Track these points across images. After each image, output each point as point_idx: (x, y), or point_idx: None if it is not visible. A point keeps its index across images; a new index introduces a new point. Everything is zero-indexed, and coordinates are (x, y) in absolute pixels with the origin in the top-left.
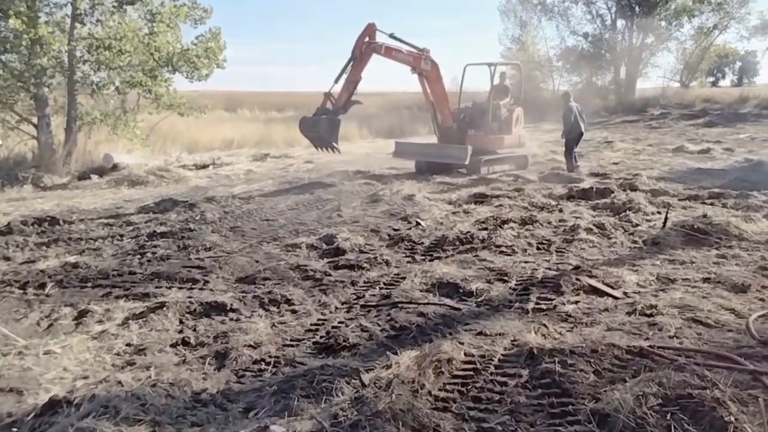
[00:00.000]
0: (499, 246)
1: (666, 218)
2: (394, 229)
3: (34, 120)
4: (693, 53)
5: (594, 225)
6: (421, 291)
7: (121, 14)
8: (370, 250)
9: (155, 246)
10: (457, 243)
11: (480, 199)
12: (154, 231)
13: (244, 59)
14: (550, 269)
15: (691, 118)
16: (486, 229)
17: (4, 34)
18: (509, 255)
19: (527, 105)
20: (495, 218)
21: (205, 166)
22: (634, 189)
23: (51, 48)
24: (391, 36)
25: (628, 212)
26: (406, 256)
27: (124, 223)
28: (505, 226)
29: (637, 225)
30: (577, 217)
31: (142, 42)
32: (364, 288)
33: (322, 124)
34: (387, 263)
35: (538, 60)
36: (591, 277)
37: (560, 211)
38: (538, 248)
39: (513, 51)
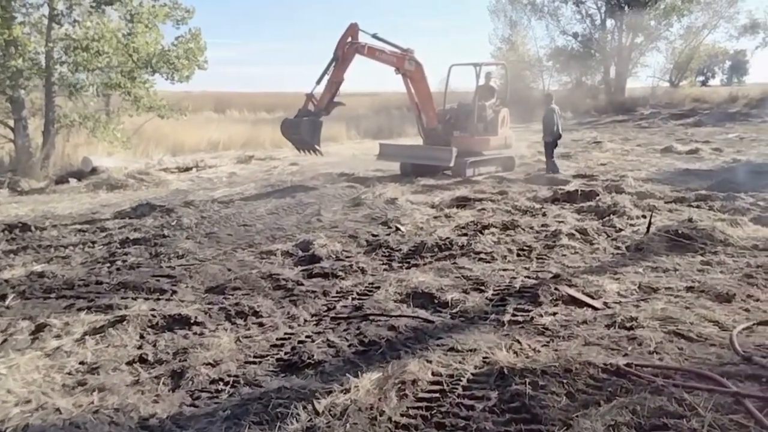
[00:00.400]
0: (478, 253)
1: (649, 223)
2: (373, 235)
3: (11, 123)
4: (682, 53)
5: (576, 230)
6: (395, 302)
7: (100, 14)
8: (347, 257)
9: (126, 253)
10: (436, 250)
11: (462, 202)
12: (128, 237)
13: (234, 60)
14: (529, 277)
15: (680, 117)
16: (466, 234)
17: None
18: (488, 262)
19: (517, 105)
20: (476, 223)
21: (188, 169)
22: (619, 191)
23: (26, 49)
24: (374, 36)
25: (612, 216)
26: (383, 264)
27: (97, 229)
28: (486, 231)
29: (621, 230)
30: (560, 222)
31: (120, 43)
32: (336, 299)
33: (303, 126)
34: (363, 271)
35: (528, 60)
36: (570, 286)
37: (543, 215)
38: (518, 255)
39: (503, 51)
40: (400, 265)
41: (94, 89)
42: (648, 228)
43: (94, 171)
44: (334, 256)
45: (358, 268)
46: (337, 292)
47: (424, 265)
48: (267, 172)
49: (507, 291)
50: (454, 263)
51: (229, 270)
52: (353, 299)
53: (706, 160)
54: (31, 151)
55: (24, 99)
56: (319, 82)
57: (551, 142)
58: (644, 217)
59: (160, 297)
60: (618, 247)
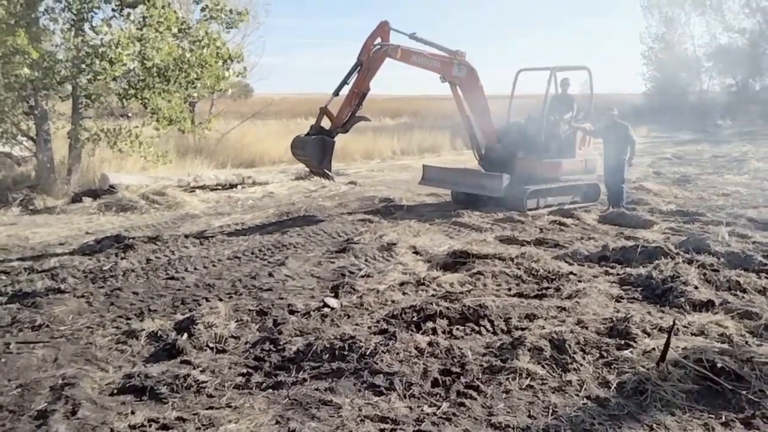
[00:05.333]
0: (376, 373)
1: (666, 347)
2: (291, 311)
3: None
4: None
5: (552, 340)
6: None
7: (125, 18)
8: (219, 351)
9: None
10: (327, 356)
11: (460, 259)
12: (20, 290)
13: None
14: None
15: None
16: (386, 331)
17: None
18: (379, 394)
19: (666, 112)
20: (419, 310)
21: (232, 186)
22: (700, 251)
23: (31, 57)
24: (412, 36)
25: (670, 293)
26: (243, 374)
27: (24, 270)
28: (425, 325)
29: (629, 345)
30: (560, 309)
31: (137, 49)
32: None
33: (309, 147)
34: (199, 389)
35: (684, 60)
36: None
37: (557, 289)
38: (434, 384)
39: (655, 50)
40: (264, 379)
41: (116, 100)
42: (664, 354)
43: (111, 189)
44: (204, 347)
45: (195, 382)
46: None
47: (293, 384)
48: (308, 193)
49: None
50: (329, 390)
51: (56, 361)
52: None
53: None
54: (49, 166)
55: (47, 110)
56: (337, 93)
57: (621, 165)
58: (713, 303)
59: None
60: (605, 383)
